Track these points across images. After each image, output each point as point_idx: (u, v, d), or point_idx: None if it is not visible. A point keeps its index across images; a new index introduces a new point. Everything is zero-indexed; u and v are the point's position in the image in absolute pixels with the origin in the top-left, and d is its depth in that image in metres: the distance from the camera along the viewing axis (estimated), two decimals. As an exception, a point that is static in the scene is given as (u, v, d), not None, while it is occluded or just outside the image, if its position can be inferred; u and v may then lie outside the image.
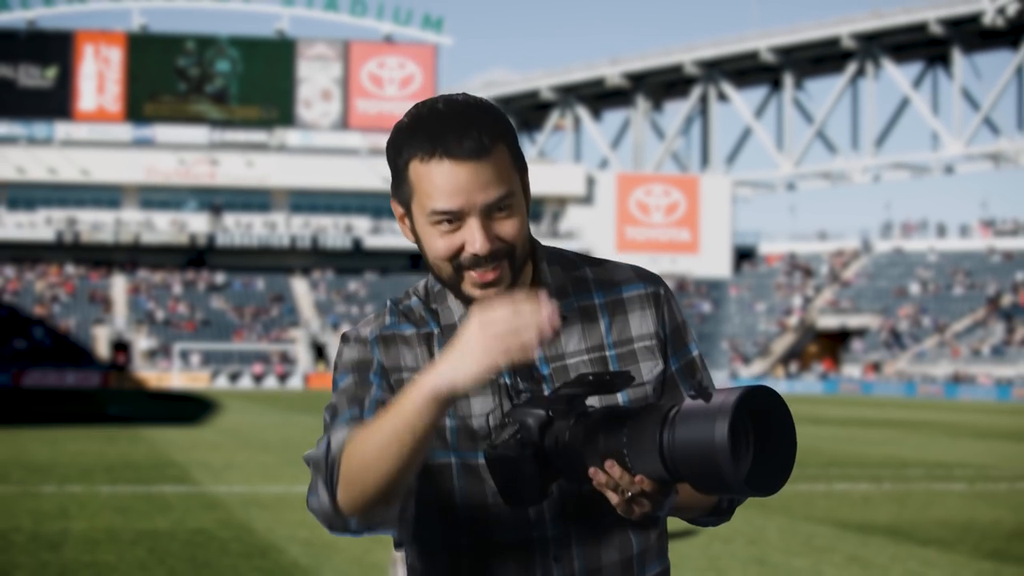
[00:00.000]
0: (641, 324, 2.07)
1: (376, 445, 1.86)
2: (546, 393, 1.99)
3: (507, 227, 1.95)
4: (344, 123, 77.97)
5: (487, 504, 2.00)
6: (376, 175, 76.81)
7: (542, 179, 78.94)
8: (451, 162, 1.91)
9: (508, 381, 2.00)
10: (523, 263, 2.00)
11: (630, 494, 1.79)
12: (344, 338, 2.08)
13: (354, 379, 2.03)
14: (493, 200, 1.92)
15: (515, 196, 1.96)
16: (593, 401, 1.95)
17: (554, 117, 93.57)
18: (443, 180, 1.91)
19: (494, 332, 1.76)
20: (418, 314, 2.07)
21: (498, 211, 1.94)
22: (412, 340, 2.05)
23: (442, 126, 1.91)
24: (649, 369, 2.05)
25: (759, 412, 1.72)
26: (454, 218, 1.93)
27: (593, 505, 1.94)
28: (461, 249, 1.94)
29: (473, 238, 1.92)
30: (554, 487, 1.94)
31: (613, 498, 1.80)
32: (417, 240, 2.00)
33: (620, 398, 2.01)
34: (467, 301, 1.99)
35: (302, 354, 66.23)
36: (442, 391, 1.80)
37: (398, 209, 2.02)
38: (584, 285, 2.08)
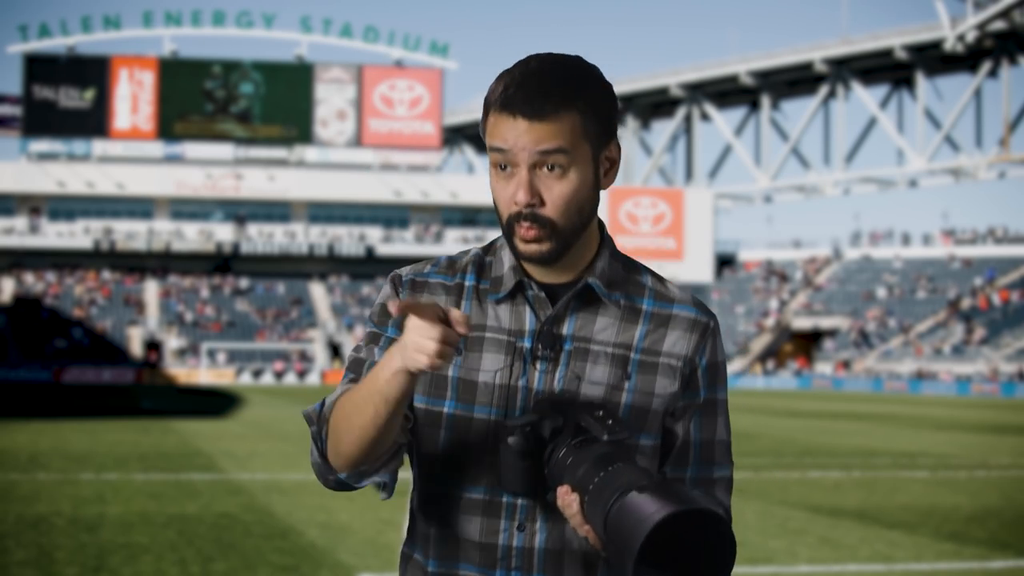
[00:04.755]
0: (676, 343, 1.93)
1: (354, 408, 1.82)
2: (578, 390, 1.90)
3: (555, 188, 1.86)
4: (358, 141, 77.95)
5: (465, 458, 1.91)
6: (387, 188, 76.76)
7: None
8: (512, 116, 1.85)
9: (528, 345, 1.91)
10: (570, 237, 1.89)
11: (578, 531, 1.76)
12: (388, 278, 2.02)
13: (370, 334, 1.98)
14: (542, 149, 1.84)
15: (569, 158, 1.86)
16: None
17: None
18: (504, 125, 1.86)
19: (409, 341, 1.72)
20: (464, 264, 2.00)
21: (548, 168, 1.86)
22: (440, 289, 1.97)
23: (522, 83, 1.85)
24: (664, 386, 1.92)
25: (695, 532, 1.62)
26: (506, 161, 1.87)
27: None
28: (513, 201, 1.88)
29: (516, 187, 1.86)
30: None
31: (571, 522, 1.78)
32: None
33: (625, 397, 1.90)
34: (519, 256, 1.91)
35: (319, 353, 66.18)
36: (406, 368, 1.75)
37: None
38: (639, 289, 1.97)
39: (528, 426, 1.80)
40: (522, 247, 1.89)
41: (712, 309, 2.01)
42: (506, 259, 1.96)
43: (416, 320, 1.73)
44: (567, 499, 1.74)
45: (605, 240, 1.98)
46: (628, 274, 1.98)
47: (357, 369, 1.97)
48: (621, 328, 1.93)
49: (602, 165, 1.93)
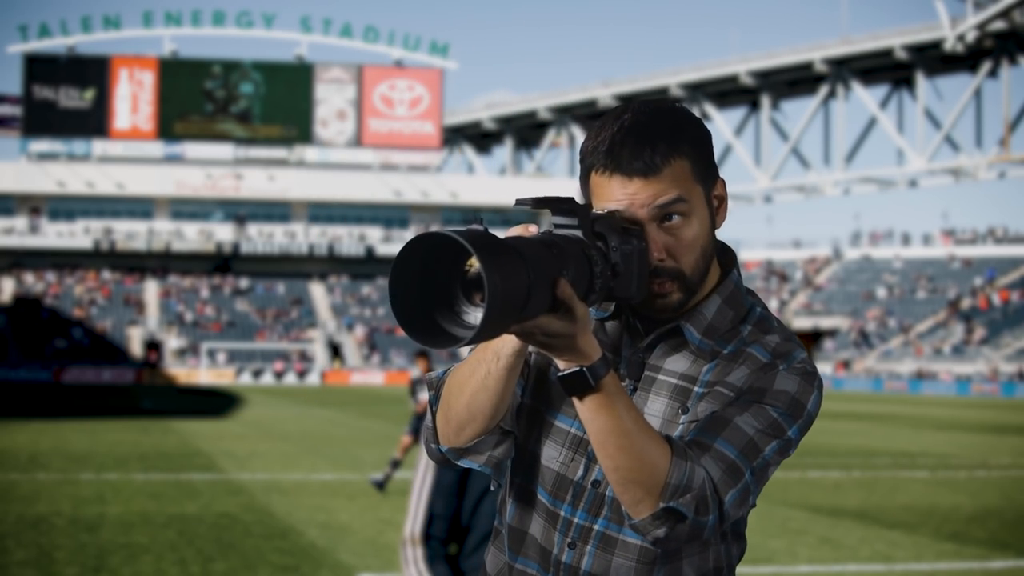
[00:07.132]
0: (736, 376, 1.90)
1: (468, 370, 1.85)
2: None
3: (683, 233, 1.87)
4: (358, 141, 77.95)
5: (548, 463, 1.94)
6: (387, 188, 76.74)
7: (540, 192, 78.89)
8: (621, 177, 1.85)
9: (623, 370, 1.96)
10: (696, 285, 1.91)
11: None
12: None
13: None
14: (662, 203, 1.84)
15: (689, 206, 1.86)
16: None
17: (551, 135, 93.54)
18: (616, 186, 1.86)
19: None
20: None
21: (669, 219, 1.86)
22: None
23: (621, 140, 1.85)
24: (705, 410, 1.90)
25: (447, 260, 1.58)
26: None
27: (619, 517, 1.87)
28: None
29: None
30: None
31: None
32: None
33: (679, 430, 1.89)
34: (650, 310, 1.92)
35: (319, 353, 66.18)
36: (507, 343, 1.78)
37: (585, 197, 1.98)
38: (732, 335, 1.95)
39: None
40: (655, 303, 1.89)
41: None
42: None
43: None
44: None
45: (722, 285, 1.97)
46: (732, 324, 1.95)
47: None
48: (693, 363, 1.93)
49: (713, 204, 1.93)
